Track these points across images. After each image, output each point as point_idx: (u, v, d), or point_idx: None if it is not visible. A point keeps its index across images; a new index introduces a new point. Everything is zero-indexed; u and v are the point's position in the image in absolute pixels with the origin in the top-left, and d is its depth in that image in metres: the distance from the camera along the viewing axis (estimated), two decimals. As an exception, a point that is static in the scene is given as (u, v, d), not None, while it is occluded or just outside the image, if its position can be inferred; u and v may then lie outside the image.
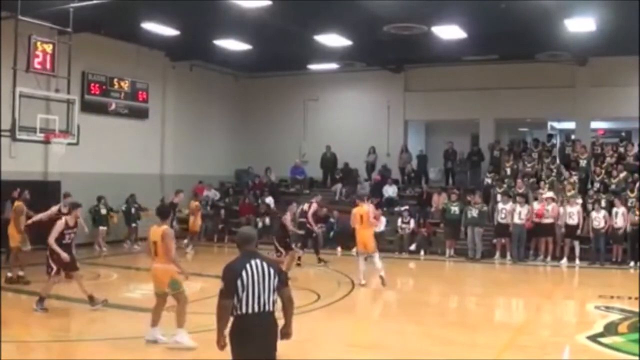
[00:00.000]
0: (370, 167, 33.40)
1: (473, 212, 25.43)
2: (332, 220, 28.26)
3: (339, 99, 35.03)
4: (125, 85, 29.57)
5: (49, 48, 20.82)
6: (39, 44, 20.55)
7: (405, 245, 26.62)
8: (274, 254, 18.53)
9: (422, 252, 26.49)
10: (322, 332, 13.92)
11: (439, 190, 28.91)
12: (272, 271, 7.20)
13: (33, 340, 12.82)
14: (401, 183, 32.53)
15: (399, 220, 27.36)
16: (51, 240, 14.34)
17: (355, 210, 19.57)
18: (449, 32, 24.78)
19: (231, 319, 7.15)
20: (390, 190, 30.57)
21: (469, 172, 31.41)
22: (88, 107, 26.72)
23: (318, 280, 17.99)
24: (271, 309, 7.17)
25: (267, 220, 30.48)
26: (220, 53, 29.41)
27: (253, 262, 7.15)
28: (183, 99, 32.92)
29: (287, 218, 19.87)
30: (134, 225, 27.52)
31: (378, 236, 27.12)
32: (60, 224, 14.54)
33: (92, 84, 28.04)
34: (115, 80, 29.13)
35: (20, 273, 17.96)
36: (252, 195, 32.82)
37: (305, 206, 24.12)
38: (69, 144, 21.39)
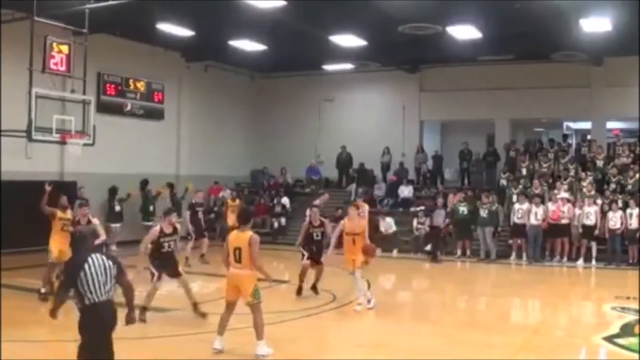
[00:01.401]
0: (386, 167, 33.35)
1: (482, 212, 25.39)
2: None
3: (354, 99, 35.03)
4: (141, 85, 29.65)
5: (64, 49, 20.90)
6: (54, 44, 20.63)
7: (420, 245, 26.55)
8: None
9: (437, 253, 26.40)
10: (336, 332, 13.95)
11: (454, 191, 28.78)
12: (110, 263, 8.14)
13: (33, 340, 12.67)
14: (417, 183, 32.45)
15: (415, 220, 27.34)
16: (141, 247, 14.18)
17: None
18: (464, 32, 24.75)
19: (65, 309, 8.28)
20: (406, 191, 30.53)
21: (484, 173, 31.30)
22: (103, 108, 26.79)
23: (334, 281, 17.94)
24: (111, 296, 8.11)
25: (283, 220, 30.51)
26: (235, 53, 29.44)
27: (94, 256, 8.07)
28: (198, 99, 32.98)
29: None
30: (150, 223, 27.46)
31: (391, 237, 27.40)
32: (154, 231, 14.19)
33: (108, 85, 28.13)
34: (131, 81, 29.23)
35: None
36: (267, 195, 32.84)
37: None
38: (85, 144, 21.44)
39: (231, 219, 26.24)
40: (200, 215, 23.83)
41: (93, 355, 7.98)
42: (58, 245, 16.35)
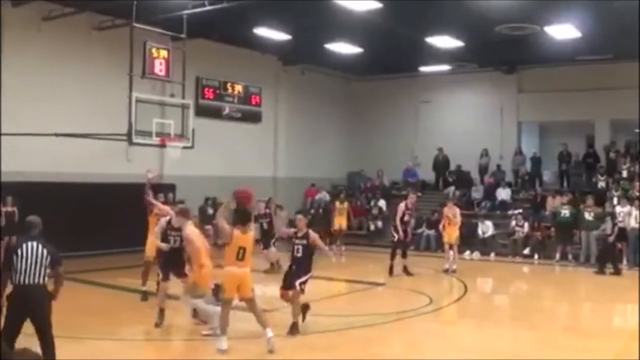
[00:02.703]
0: (484, 169, 33.04)
1: (588, 216, 24.80)
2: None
3: (451, 100, 34.86)
4: (239, 89, 30.07)
5: (164, 54, 21.31)
6: (154, 50, 21.05)
7: (519, 249, 26.24)
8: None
9: (536, 256, 25.96)
10: (430, 334, 13.88)
11: (553, 193, 28.39)
12: (45, 252, 9.03)
13: (133, 339, 12.93)
14: (515, 186, 32.06)
15: (513, 223, 27.02)
16: (156, 242, 13.64)
17: None
18: (563, 31, 24.40)
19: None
20: (503, 193, 30.22)
21: (584, 175, 30.76)
22: (202, 112, 27.18)
23: (431, 284, 17.90)
24: (42, 282, 9.02)
25: (380, 223, 30.43)
26: (331, 56, 29.63)
27: (29, 244, 9.03)
28: (295, 102, 33.28)
29: None
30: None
31: (489, 240, 27.09)
32: (162, 222, 13.58)
33: (206, 89, 28.66)
34: (229, 84, 29.68)
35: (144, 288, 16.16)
36: (364, 197, 32.87)
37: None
38: (184, 147, 21.81)
39: (337, 221, 26.05)
40: (266, 226, 23.20)
41: (8, 324, 8.93)
42: (152, 245, 16.40)
